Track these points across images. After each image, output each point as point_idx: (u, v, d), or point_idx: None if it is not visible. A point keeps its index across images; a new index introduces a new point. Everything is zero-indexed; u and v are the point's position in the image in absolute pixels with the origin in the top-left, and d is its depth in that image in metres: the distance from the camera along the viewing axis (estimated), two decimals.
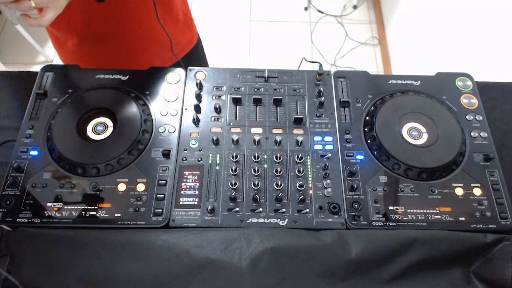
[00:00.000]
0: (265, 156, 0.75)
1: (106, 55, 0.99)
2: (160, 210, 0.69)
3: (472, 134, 0.78)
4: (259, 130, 0.78)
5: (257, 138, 0.75)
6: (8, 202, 0.68)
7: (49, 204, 0.68)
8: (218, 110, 0.79)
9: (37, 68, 0.85)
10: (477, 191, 0.72)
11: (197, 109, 0.79)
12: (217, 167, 0.73)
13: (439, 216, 0.69)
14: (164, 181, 0.71)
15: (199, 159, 0.74)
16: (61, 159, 0.72)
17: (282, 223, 0.69)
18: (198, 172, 0.73)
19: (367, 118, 0.80)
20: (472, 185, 0.73)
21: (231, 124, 0.79)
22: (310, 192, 0.72)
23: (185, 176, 0.72)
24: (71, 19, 0.89)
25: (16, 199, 0.68)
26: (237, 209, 0.70)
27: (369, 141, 0.77)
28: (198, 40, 1.18)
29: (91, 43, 0.96)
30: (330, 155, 0.75)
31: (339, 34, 2.58)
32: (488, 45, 1.45)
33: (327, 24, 2.64)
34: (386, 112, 0.78)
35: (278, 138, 0.76)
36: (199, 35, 1.19)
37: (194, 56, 1.16)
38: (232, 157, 0.74)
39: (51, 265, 0.64)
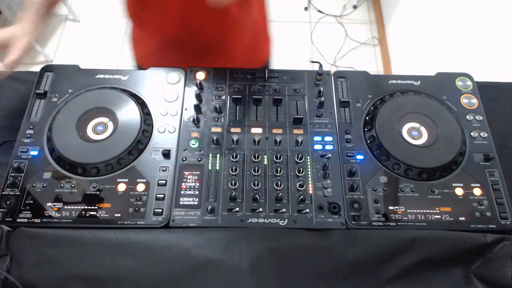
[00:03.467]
0: (265, 156, 0.75)
1: (187, 59, 0.96)
2: (160, 210, 0.69)
3: (472, 134, 0.78)
4: (259, 130, 0.78)
5: (257, 138, 0.75)
6: (8, 202, 0.68)
7: (49, 204, 0.68)
8: (218, 110, 0.79)
9: (37, 68, 0.85)
10: (477, 191, 0.72)
11: (197, 109, 0.79)
12: (217, 167, 0.73)
13: (439, 216, 0.69)
14: (164, 181, 0.71)
15: (199, 159, 0.74)
16: (61, 159, 0.72)
17: (282, 223, 0.69)
18: (198, 172, 0.73)
19: (367, 118, 0.80)
20: (472, 185, 0.73)
21: (231, 124, 0.79)
22: (310, 192, 0.72)
23: (185, 176, 0.72)
24: (165, 22, 0.88)
25: (16, 199, 0.68)
26: (237, 209, 0.70)
27: (369, 141, 0.77)
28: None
29: (176, 47, 0.95)
30: (330, 155, 0.75)
31: (339, 34, 2.58)
32: (488, 45, 1.45)
33: (327, 24, 2.64)
34: (386, 112, 0.78)
35: (278, 138, 0.76)
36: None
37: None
38: (232, 157, 0.74)
39: (51, 265, 0.64)
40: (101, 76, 0.83)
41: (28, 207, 0.68)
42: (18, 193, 0.69)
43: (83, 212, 0.68)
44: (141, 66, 1.06)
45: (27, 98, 0.80)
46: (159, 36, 0.95)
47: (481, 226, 0.69)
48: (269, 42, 1.13)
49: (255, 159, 0.74)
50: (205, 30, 0.91)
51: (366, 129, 0.78)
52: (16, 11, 1.95)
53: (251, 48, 1.04)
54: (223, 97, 0.82)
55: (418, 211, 0.70)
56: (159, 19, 0.88)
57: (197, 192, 0.71)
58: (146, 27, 0.95)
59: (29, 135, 0.75)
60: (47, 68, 0.84)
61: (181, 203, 0.70)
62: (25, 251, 0.65)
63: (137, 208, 0.68)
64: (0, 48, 0.75)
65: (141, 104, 0.79)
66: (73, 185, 0.70)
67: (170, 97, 0.81)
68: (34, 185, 0.70)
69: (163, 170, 0.72)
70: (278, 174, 0.73)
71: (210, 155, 0.75)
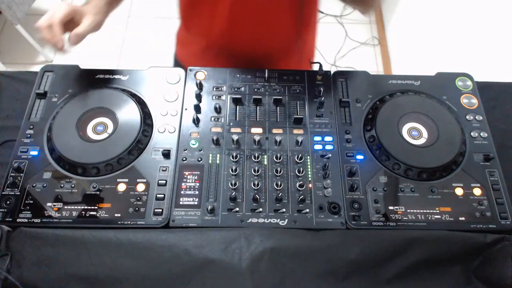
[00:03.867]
0: (265, 156, 0.75)
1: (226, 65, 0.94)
2: (160, 210, 0.69)
3: (472, 134, 0.78)
4: (259, 130, 0.78)
5: (257, 138, 0.75)
6: (8, 202, 0.68)
7: (49, 204, 0.68)
8: (218, 110, 0.79)
9: (37, 68, 0.85)
10: (477, 191, 0.72)
11: (197, 109, 0.79)
12: (217, 167, 0.73)
13: (439, 216, 0.69)
14: (164, 181, 0.71)
15: (199, 159, 0.74)
16: (61, 159, 0.72)
17: (282, 223, 0.69)
18: (198, 172, 0.73)
19: (367, 118, 0.80)
20: (472, 185, 0.73)
21: (231, 124, 0.79)
22: (310, 191, 0.71)
23: (185, 176, 0.72)
24: (213, 27, 0.88)
25: (16, 199, 0.68)
26: (237, 209, 0.70)
27: (369, 141, 0.77)
28: None
29: (220, 53, 0.94)
30: (330, 155, 0.75)
31: (339, 34, 2.58)
32: (488, 45, 1.45)
33: (327, 24, 2.64)
34: (386, 112, 0.78)
35: (278, 138, 0.76)
36: None
37: None
38: (232, 157, 0.74)
39: (51, 265, 0.64)
40: (101, 76, 0.83)
41: (28, 207, 0.68)
42: (18, 193, 0.69)
43: (83, 212, 0.68)
44: (182, 63, 1.03)
45: (27, 98, 0.80)
46: (203, 39, 0.93)
47: (481, 226, 0.69)
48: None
49: (255, 159, 0.74)
50: (251, 42, 0.90)
51: (366, 129, 0.78)
52: (16, 11, 1.95)
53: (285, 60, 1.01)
54: (223, 97, 0.82)
55: (418, 211, 0.70)
56: (207, 21, 0.87)
57: (197, 192, 0.71)
58: (192, 28, 0.94)
59: (29, 135, 0.75)
60: (47, 68, 0.84)
61: (181, 203, 0.70)
62: (25, 251, 0.65)
63: (137, 208, 0.68)
64: (65, 18, 0.72)
65: (141, 104, 0.79)
66: (73, 185, 0.70)
67: (170, 97, 0.81)
68: (34, 185, 0.70)
69: (163, 170, 0.72)
70: (278, 174, 0.73)
71: (210, 155, 0.75)
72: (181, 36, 1.03)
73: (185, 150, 0.75)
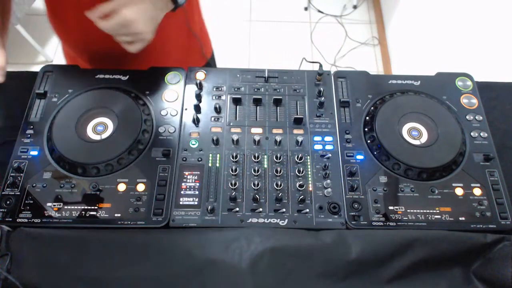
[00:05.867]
0: (265, 156, 0.75)
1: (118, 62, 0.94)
2: (160, 210, 0.69)
3: (472, 134, 0.78)
4: (259, 130, 0.78)
5: (257, 138, 0.75)
6: (8, 202, 0.68)
7: (49, 204, 0.68)
8: (218, 110, 0.79)
9: (37, 68, 0.85)
10: (477, 191, 0.72)
11: (197, 109, 0.79)
12: (217, 167, 0.73)
13: (439, 216, 0.69)
14: (164, 181, 0.71)
15: (199, 159, 0.74)
16: (61, 159, 0.72)
17: (282, 223, 0.69)
18: (198, 172, 0.73)
19: (367, 118, 0.80)
20: (472, 185, 0.73)
21: (231, 124, 0.79)
22: (310, 190, 0.71)
23: (185, 176, 0.72)
24: (81, 39, 0.87)
25: (16, 199, 0.68)
26: (237, 209, 0.70)
27: (369, 141, 0.77)
28: (212, 55, 1.17)
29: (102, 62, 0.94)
30: (330, 155, 0.75)
31: (339, 34, 2.58)
32: (488, 45, 1.45)
33: (327, 24, 2.64)
34: (386, 112, 0.78)
35: (278, 138, 0.76)
36: (213, 50, 1.18)
37: None
38: (232, 157, 0.74)
39: (51, 265, 0.64)
40: (101, 76, 0.83)
41: (28, 207, 0.68)
42: (18, 193, 0.69)
43: (83, 212, 0.68)
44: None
45: (27, 98, 0.80)
46: (83, 54, 0.92)
47: (481, 226, 0.69)
48: (207, 43, 1.13)
49: (255, 159, 0.74)
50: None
51: (366, 129, 0.78)
52: (16, 11, 1.95)
53: (184, 51, 1.02)
54: (223, 97, 0.82)
55: (418, 211, 0.70)
56: (74, 38, 0.86)
57: (197, 192, 0.71)
58: (69, 47, 0.93)
59: (29, 135, 0.75)
60: (47, 68, 0.84)
61: (181, 203, 0.70)
62: (25, 251, 0.65)
63: (137, 208, 0.68)
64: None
65: (141, 104, 0.79)
66: (73, 185, 0.70)
67: (170, 97, 0.81)
68: (34, 185, 0.70)
69: (163, 170, 0.72)
70: (278, 174, 0.73)
71: (210, 155, 0.75)
72: (66, 51, 1.02)
73: (185, 150, 0.75)
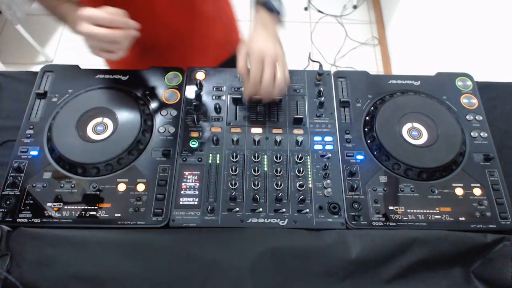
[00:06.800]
0: (265, 156, 0.75)
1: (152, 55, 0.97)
2: (160, 210, 0.69)
3: (472, 134, 0.78)
4: (259, 130, 0.78)
5: (257, 138, 0.75)
6: (8, 202, 0.68)
7: (49, 204, 0.68)
8: (218, 110, 0.79)
9: (37, 68, 0.85)
10: (477, 191, 0.72)
11: (197, 109, 0.79)
12: (217, 167, 0.73)
13: (439, 216, 0.69)
14: (164, 181, 0.71)
15: (199, 159, 0.74)
16: (61, 159, 0.72)
17: (282, 223, 0.69)
18: (198, 172, 0.73)
19: (367, 118, 0.80)
20: (472, 185, 0.73)
21: (231, 124, 0.79)
22: (310, 191, 0.71)
23: (185, 176, 0.72)
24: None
25: (16, 199, 0.68)
26: (237, 209, 0.70)
27: (369, 141, 0.77)
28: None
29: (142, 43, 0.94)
30: (330, 155, 0.75)
31: (339, 34, 2.58)
32: (488, 45, 1.45)
33: (327, 24, 2.64)
34: (386, 112, 0.78)
35: (278, 138, 0.76)
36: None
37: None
38: (232, 157, 0.74)
39: (51, 265, 0.64)
40: (101, 76, 0.83)
41: (28, 207, 0.68)
42: (18, 193, 0.69)
43: (83, 212, 0.68)
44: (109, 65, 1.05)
45: (27, 98, 0.80)
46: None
47: (481, 226, 0.69)
48: (239, 38, 1.18)
49: (255, 159, 0.74)
50: (171, 23, 0.90)
51: (366, 129, 0.78)
52: (16, 11, 1.95)
53: (220, 44, 1.05)
54: (223, 97, 0.82)
55: (418, 211, 0.70)
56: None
57: (197, 192, 0.71)
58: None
59: (29, 135, 0.75)
60: (47, 68, 0.84)
61: (181, 203, 0.70)
62: (25, 251, 0.65)
63: (137, 208, 0.68)
64: None
65: (141, 104, 0.79)
66: (73, 185, 0.70)
67: (170, 97, 0.81)
68: (34, 185, 0.70)
69: (163, 170, 0.72)
70: (278, 174, 0.73)
71: (210, 155, 0.75)
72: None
73: (185, 150, 0.75)
